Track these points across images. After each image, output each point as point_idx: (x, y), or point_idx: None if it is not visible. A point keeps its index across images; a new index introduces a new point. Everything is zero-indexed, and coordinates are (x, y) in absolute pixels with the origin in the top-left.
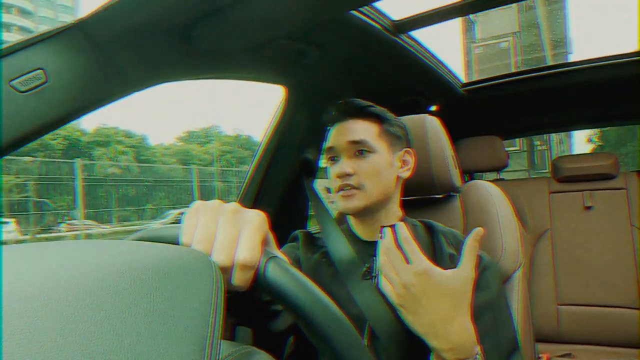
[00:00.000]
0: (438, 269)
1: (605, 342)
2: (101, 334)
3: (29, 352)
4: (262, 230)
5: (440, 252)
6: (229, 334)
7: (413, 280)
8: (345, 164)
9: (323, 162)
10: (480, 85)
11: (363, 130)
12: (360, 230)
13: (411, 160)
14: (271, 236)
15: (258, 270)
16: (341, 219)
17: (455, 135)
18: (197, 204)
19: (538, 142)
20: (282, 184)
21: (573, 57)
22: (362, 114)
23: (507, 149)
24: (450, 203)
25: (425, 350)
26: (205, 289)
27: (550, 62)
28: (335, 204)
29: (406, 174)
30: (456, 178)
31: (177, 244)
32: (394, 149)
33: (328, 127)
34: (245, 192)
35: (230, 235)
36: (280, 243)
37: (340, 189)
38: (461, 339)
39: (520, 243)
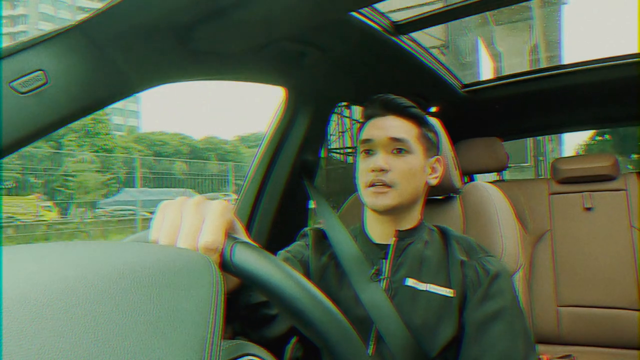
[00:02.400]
0: None
1: (606, 344)
2: (101, 335)
3: (30, 353)
4: (225, 216)
5: (452, 258)
6: (229, 335)
7: None
8: (382, 159)
9: (358, 156)
10: (481, 86)
11: (404, 129)
12: (375, 231)
13: (440, 168)
14: (239, 224)
15: (224, 255)
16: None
17: (455, 136)
18: (164, 202)
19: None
20: (282, 184)
21: (565, 60)
22: (404, 113)
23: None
24: (450, 204)
25: (431, 352)
26: (205, 290)
27: (544, 65)
28: (363, 198)
29: (434, 181)
30: (456, 179)
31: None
32: (428, 154)
33: (363, 122)
34: (245, 193)
35: (194, 224)
36: (282, 243)
37: (372, 184)
38: None
39: (520, 244)
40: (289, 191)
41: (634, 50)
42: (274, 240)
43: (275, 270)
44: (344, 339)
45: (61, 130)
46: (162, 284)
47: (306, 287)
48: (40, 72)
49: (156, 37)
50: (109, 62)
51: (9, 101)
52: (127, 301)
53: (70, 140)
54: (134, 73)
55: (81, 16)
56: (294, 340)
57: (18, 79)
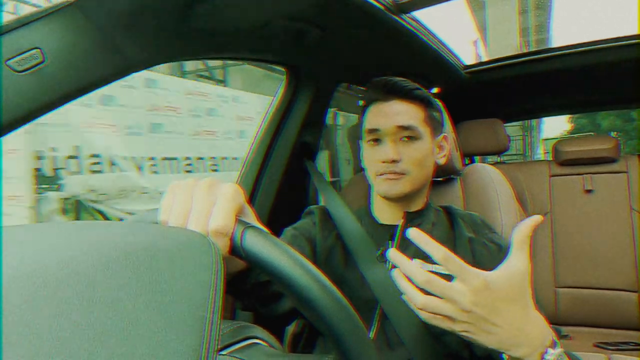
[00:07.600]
0: (493, 274)
1: (603, 325)
2: (99, 315)
3: (30, 332)
4: (236, 200)
5: (460, 236)
6: (229, 315)
7: (475, 301)
8: (391, 150)
9: (363, 143)
10: (483, 67)
11: (410, 114)
12: (382, 213)
13: (447, 146)
14: (249, 208)
15: (235, 239)
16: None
17: (456, 117)
18: (174, 184)
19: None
20: (282, 166)
21: (554, 43)
22: (409, 96)
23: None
24: (450, 186)
25: (434, 330)
26: (204, 270)
27: (534, 47)
28: (375, 187)
29: (442, 160)
30: (457, 161)
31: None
32: (435, 134)
33: (365, 106)
34: (244, 175)
35: (205, 207)
36: (282, 224)
37: (383, 173)
38: (541, 334)
39: None
40: (289, 172)
41: (636, 32)
42: (274, 220)
43: (286, 257)
44: (351, 332)
45: None
46: (162, 264)
47: (316, 276)
48: (36, 50)
49: (155, 15)
50: (107, 40)
51: (6, 80)
52: (127, 281)
53: None
54: (133, 52)
55: None
56: (292, 326)
57: (14, 57)
